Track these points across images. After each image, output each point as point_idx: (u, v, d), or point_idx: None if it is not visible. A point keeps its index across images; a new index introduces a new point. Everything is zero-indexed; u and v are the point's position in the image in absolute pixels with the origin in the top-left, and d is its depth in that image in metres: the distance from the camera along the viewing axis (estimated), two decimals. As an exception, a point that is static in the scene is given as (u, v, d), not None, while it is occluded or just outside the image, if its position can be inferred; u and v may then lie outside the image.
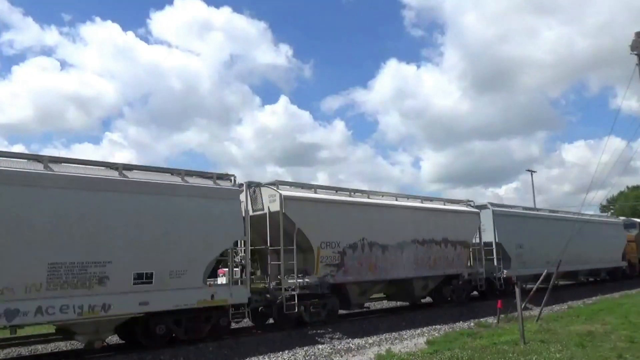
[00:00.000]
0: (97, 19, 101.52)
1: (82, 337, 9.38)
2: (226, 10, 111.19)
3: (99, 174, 9.61)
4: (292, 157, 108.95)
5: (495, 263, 18.18)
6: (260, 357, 9.81)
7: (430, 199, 17.53)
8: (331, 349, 10.48)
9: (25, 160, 9.09)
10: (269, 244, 12.34)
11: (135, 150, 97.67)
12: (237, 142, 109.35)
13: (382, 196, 15.81)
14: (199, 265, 10.45)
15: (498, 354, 8.80)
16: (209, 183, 11.18)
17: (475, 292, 18.64)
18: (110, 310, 9.15)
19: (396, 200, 15.95)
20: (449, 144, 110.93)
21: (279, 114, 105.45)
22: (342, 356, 9.87)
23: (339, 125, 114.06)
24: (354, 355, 9.85)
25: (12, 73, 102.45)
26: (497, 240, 18.34)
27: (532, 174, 46.91)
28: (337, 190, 14.55)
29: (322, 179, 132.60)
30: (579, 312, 14.67)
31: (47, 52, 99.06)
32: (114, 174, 9.83)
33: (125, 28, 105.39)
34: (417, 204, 16.42)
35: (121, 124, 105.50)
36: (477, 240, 18.05)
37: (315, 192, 13.68)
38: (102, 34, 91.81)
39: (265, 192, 12.73)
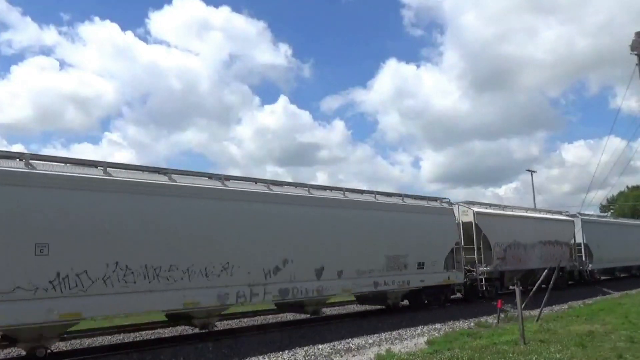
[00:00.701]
0: (96, 19, 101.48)
1: (389, 301, 15.38)
2: (225, 10, 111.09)
3: (384, 199, 15.57)
4: (291, 157, 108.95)
5: (584, 259, 24.27)
6: (260, 357, 9.81)
7: (539, 210, 24.39)
8: (331, 349, 10.48)
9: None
10: (462, 244, 17.71)
11: (134, 150, 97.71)
12: (236, 142, 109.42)
13: (526, 210, 23.13)
14: (441, 258, 16.33)
15: (498, 354, 8.80)
16: (436, 204, 17.30)
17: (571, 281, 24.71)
18: (409, 285, 15.16)
19: (526, 212, 22.75)
20: (448, 144, 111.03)
21: (279, 114, 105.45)
22: (342, 356, 9.87)
23: (339, 125, 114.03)
24: (354, 355, 9.84)
25: (11, 73, 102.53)
26: (584, 242, 24.33)
27: (532, 174, 47.03)
28: (504, 207, 21.61)
29: (321, 178, 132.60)
30: (579, 312, 14.68)
31: (46, 51, 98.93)
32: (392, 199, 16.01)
33: (124, 28, 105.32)
34: (541, 215, 23.09)
35: (120, 124, 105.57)
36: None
37: (489, 208, 20.27)
38: (101, 34, 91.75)
39: (457, 208, 18.42)
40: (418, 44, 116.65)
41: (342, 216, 13.65)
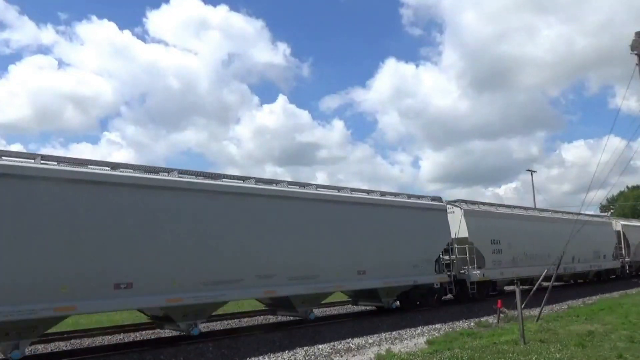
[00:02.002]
0: (94, 18, 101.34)
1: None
2: (223, 9, 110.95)
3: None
4: (291, 157, 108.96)
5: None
6: (260, 357, 9.81)
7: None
8: (331, 349, 10.48)
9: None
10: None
11: (133, 150, 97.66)
12: (235, 142, 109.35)
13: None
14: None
15: (498, 353, 8.79)
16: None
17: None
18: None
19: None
20: (448, 144, 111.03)
21: (278, 113, 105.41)
22: (342, 356, 9.86)
23: (338, 124, 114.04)
24: (354, 355, 9.84)
25: (8, 72, 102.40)
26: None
27: (532, 174, 46.98)
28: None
29: (321, 178, 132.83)
30: (579, 312, 14.66)
31: (44, 51, 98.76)
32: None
33: (121, 27, 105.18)
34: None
35: (119, 124, 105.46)
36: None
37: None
38: (99, 33, 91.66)
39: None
40: (417, 43, 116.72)
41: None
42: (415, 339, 11.37)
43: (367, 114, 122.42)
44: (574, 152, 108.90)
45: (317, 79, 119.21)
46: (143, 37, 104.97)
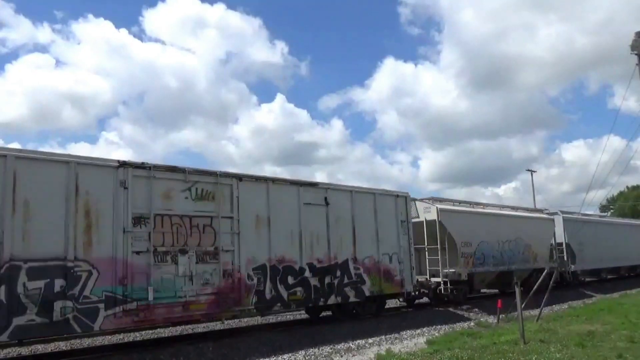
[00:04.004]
0: (90, 16, 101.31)
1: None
2: (220, 7, 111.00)
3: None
4: (289, 156, 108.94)
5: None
6: (260, 357, 9.81)
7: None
8: (331, 349, 10.48)
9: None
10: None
11: (132, 149, 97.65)
12: (234, 141, 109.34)
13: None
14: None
15: (498, 353, 8.80)
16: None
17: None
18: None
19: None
20: (447, 143, 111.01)
21: (276, 113, 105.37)
22: (342, 356, 9.87)
23: (337, 124, 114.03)
24: (354, 355, 9.85)
25: (5, 71, 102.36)
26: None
27: (532, 174, 46.92)
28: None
29: (320, 178, 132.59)
30: (579, 312, 14.67)
31: (41, 49, 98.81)
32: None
33: (118, 25, 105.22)
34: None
35: (117, 123, 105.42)
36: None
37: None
38: (95, 32, 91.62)
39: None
40: (415, 42, 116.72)
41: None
42: (415, 339, 11.37)
43: (366, 113, 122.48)
44: (574, 151, 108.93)
45: (315, 78, 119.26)
46: (140, 36, 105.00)
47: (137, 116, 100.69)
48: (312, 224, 12.56)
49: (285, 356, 9.86)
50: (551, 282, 14.16)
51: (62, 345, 11.37)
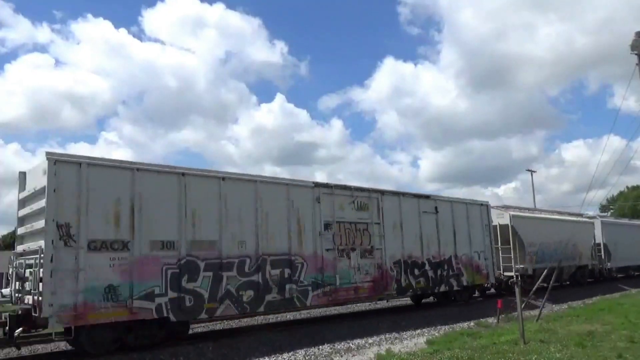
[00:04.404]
0: (89, 16, 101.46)
1: None
2: (219, 7, 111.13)
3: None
4: (289, 156, 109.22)
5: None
6: (260, 357, 9.81)
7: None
8: (331, 348, 10.48)
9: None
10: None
11: (131, 149, 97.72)
12: (234, 141, 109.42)
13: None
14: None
15: (498, 353, 8.79)
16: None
17: None
18: None
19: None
20: (447, 143, 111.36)
21: (276, 113, 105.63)
22: (342, 356, 9.86)
23: (337, 124, 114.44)
24: (354, 355, 9.84)
25: (5, 71, 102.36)
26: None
27: (532, 174, 46.93)
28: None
29: (320, 178, 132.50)
30: (579, 312, 14.67)
31: (40, 49, 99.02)
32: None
33: (117, 25, 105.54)
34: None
35: (116, 123, 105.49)
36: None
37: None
38: (95, 32, 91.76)
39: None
40: (415, 42, 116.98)
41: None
42: (415, 339, 11.37)
43: (366, 113, 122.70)
44: (574, 151, 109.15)
45: (315, 78, 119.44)
46: (139, 35, 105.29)
47: (137, 116, 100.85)
48: (427, 228, 15.86)
49: (285, 356, 9.86)
50: (551, 282, 14.17)
51: (62, 345, 11.35)
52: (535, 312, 13.55)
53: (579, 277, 24.77)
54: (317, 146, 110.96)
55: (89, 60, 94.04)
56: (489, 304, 16.21)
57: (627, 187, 73.83)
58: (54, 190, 8.84)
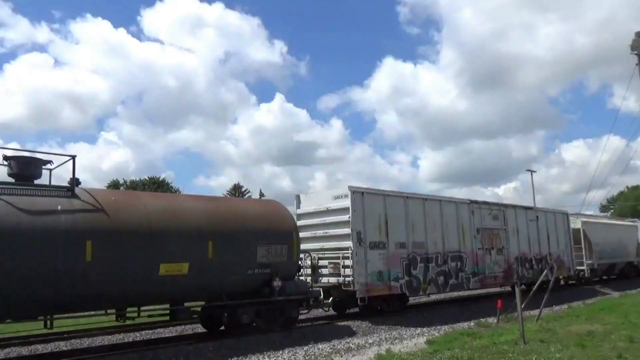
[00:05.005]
0: (88, 16, 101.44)
1: None
2: (218, 6, 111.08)
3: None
4: (289, 156, 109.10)
5: None
6: (260, 356, 9.81)
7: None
8: (331, 348, 10.47)
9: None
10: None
11: (130, 149, 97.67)
12: (233, 141, 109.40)
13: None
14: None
15: (498, 353, 8.80)
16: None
17: None
18: None
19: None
20: (447, 143, 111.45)
21: (275, 112, 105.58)
22: (342, 356, 9.86)
23: (336, 124, 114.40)
24: (354, 355, 9.84)
25: (4, 71, 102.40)
26: None
27: (532, 174, 46.85)
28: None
29: (320, 178, 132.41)
30: (579, 312, 14.67)
31: (39, 49, 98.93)
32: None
33: (116, 25, 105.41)
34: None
35: (116, 123, 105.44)
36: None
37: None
38: (94, 31, 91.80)
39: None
40: (415, 41, 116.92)
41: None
42: (415, 339, 11.36)
43: (366, 113, 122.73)
44: (574, 151, 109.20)
45: (314, 78, 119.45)
46: (138, 35, 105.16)
47: (136, 116, 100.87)
48: (532, 232, 20.81)
49: (285, 356, 9.86)
50: (551, 283, 14.16)
51: (62, 345, 11.36)
52: (535, 312, 13.54)
53: (627, 271, 29.40)
54: (316, 146, 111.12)
55: (88, 60, 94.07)
56: (489, 304, 16.20)
57: (627, 187, 73.88)
58: (354, 210, 13.93)
